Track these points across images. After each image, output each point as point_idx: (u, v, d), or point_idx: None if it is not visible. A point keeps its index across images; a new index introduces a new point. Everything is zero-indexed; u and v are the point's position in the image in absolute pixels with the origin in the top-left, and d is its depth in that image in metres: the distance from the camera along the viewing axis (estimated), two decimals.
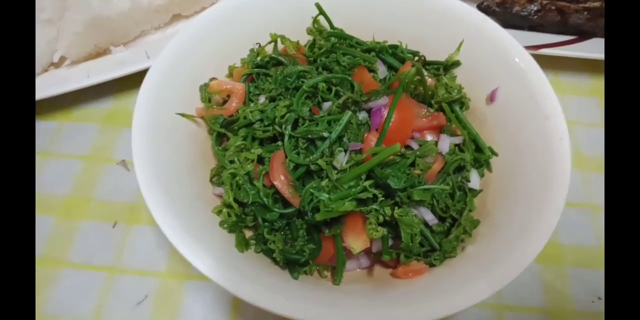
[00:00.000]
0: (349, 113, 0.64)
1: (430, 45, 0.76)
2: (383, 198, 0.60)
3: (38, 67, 0.92)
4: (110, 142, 0.91)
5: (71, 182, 0.86)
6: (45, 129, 0.93)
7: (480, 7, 1.02)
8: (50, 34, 0.93)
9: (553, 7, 0.99)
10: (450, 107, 0.70)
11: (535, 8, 0.99)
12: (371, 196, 0.60)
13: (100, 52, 0.97)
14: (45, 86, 0.87)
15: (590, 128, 0.95)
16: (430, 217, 0.62)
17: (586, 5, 0.99)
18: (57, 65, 0.97)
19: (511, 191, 0.64)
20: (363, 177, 0.61)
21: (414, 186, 0.60)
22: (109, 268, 0.77)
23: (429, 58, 0.76)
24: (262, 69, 0.74)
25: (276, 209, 0.63)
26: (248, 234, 0.66)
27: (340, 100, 0.65)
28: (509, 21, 1.00)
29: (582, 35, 0.99)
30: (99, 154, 0.89)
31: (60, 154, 0.89)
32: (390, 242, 0.62)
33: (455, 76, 0.75)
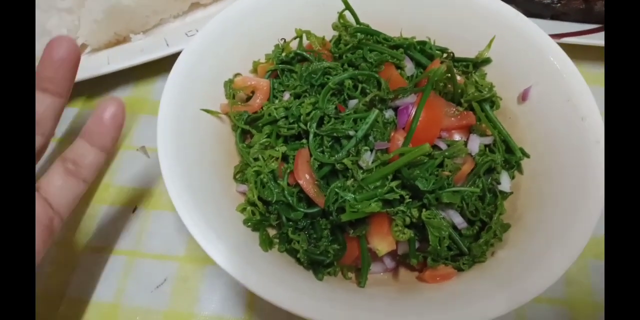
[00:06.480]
0: (375, 111, 0.62)
1: (459, 41, 0.73)
2: (410, 199, 0.59)
3: None
4: (129, 128, 0.91)
5: None
6: (65, 116, 0.90)
7: None
8: (71, 22, 0.93)
9: None
10: (480, 106, 0.68)
11: None
12: (398, 197, 0.58)
13: (120, 40, 0.98)
14: None
15: None
16: (459, 220, 0.60)
17: None
18: None
19: (544, 194, 0.62)
20: (389, 177, 0.59)
21: (442, 188, 0.59)
22: (129, 252, 0.77)
23: (458, 55, 0.74)
24: (286, 65, 0.72)
25: (301, 209, 0.62)
26: (272, 232, 0.65)
27: (367, 98, 0.64)
28: (531, 10, 0.96)
29: None
30: (118, 140, 0.89)
31: None
32: (417, 245, 0.61)
33: (485, 74, 0.72)
